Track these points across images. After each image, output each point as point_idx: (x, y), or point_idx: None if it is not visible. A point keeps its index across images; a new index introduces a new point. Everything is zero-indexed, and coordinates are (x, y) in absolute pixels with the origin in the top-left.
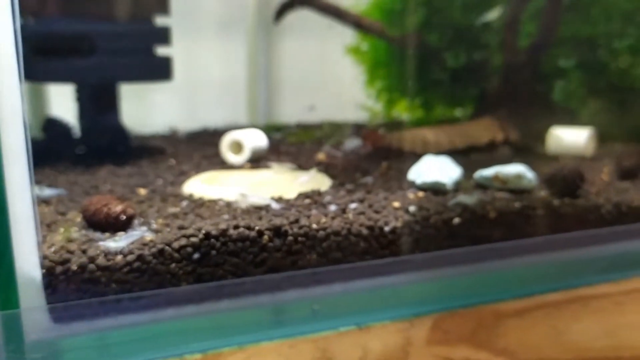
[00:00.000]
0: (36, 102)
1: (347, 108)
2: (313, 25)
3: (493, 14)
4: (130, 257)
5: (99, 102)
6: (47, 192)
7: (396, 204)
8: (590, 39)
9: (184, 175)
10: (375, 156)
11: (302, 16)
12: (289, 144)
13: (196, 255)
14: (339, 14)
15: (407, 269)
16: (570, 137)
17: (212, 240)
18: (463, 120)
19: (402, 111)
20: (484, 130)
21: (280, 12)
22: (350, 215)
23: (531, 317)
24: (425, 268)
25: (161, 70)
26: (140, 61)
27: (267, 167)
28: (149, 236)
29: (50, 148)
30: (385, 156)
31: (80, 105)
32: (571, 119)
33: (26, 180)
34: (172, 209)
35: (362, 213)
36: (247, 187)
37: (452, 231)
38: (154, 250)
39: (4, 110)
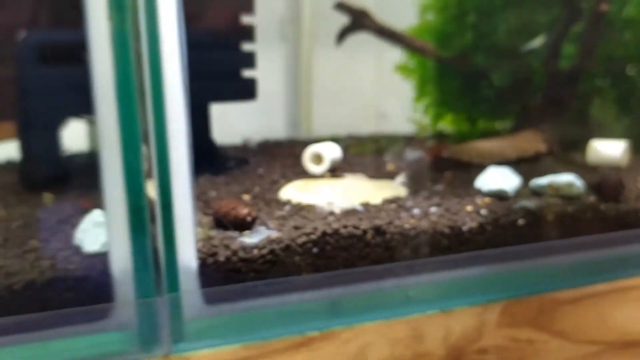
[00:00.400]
0: None
1: (392, 121)
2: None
3: (537, 42)
4: (263, 251)
5: (195, 120)
6: None
7: (469, 208)
8: (623, 59)
9: (276, 184)
10: (436, 166)
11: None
12: (352, 155)
13: (315, 250)
14: (394, 37)
15: (481, 262)
16: (608, 149)
17: (327, 237)
18: (504, 133)
19: (449, 124)
20: (530, 143)
21: (342, 35)
22: (433, 218)
23: (582, 304)
24: (496, 262)
25: (247, 91)
26: (230, 83)
27: (343, 176)
28: (274, 234)
29: None
30: (446, 166)
31: None
32: (605, 133)
33: (187, 185)
34: (279, 212)
35: (442, 215)
36: (336, 193)
37: (517, 231)
38: (281, 245)
39: (173, 127)
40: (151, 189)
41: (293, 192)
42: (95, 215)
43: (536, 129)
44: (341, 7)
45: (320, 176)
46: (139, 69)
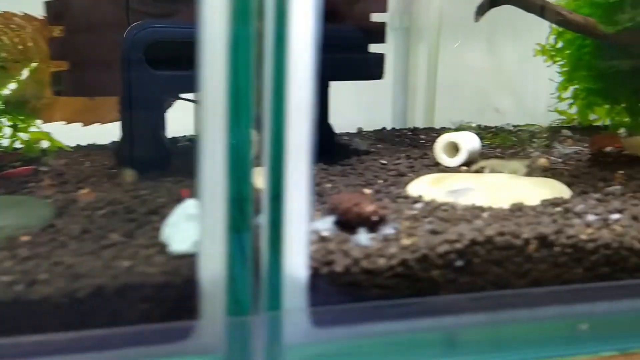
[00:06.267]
0: None
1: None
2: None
3: None
4: (393, 261)
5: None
6: None
7: None
8: None
9: (403, 177)
10: (600, 163)
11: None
12: (487, 148)
13: (459, 263)
14: (546, 10)
15: None
16: None
17: (477, 247)
18: None
19: (602, 116)
20: None
21: (481, 10)
22: (616, 227)
23: None
24: None
25: (375, 69)
26: (355, 59)
27: (483, 170)
28: (407, 240)
29: None
30: (617, 163)
31: None
32: None
33: (304, 175)
34: (409, 212)
35: (630, 226)
36: (478, 191)
37: None
38: (416, 255)
39: (295, 104)
40: (259, 178)
41: (424, 187)
42: (188, 206)
43: None
44: None
45: (456, 170)
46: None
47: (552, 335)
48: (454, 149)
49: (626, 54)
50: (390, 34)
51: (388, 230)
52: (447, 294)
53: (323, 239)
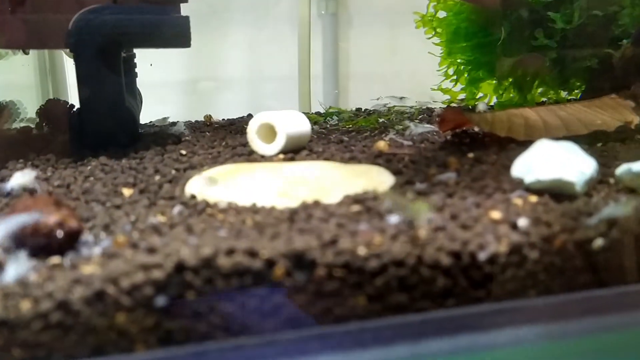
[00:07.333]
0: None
1: (422, 95)
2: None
3: None
4: (46, 305)
5: (97, 77)
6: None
7: (495, 215)
8: None
9: (194, 170)
10: (454, 144)
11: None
12: (342, 132)
13: (160, 301)
14: None
15: (518, 321)
16: None
17: (189, 274)
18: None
19: (489, 93)
20: (612, 112)
21: None
22: (423, 233)
23: None
24: (549, 320)
25: (177, 35)
26: (152, 22)
27: (303, 159)
28: (90, 267)
29: (40, 135)
30: (468, 144)
31: (79, 82)
32: None
33: None
34: (157, 219)
35: (442, 229)
36: (272, 186)
37: (593, 260)
38: (88, 292)
39: None
40: None
41: (202, 184)
42: None
43: (623, 93)
44: None
45: (270, 159)
46: None
47: None
48: (272, 132)
49: (506, 21)
50: (317, 21)
51: (93, 250)
52: (148, 348)
53: None
